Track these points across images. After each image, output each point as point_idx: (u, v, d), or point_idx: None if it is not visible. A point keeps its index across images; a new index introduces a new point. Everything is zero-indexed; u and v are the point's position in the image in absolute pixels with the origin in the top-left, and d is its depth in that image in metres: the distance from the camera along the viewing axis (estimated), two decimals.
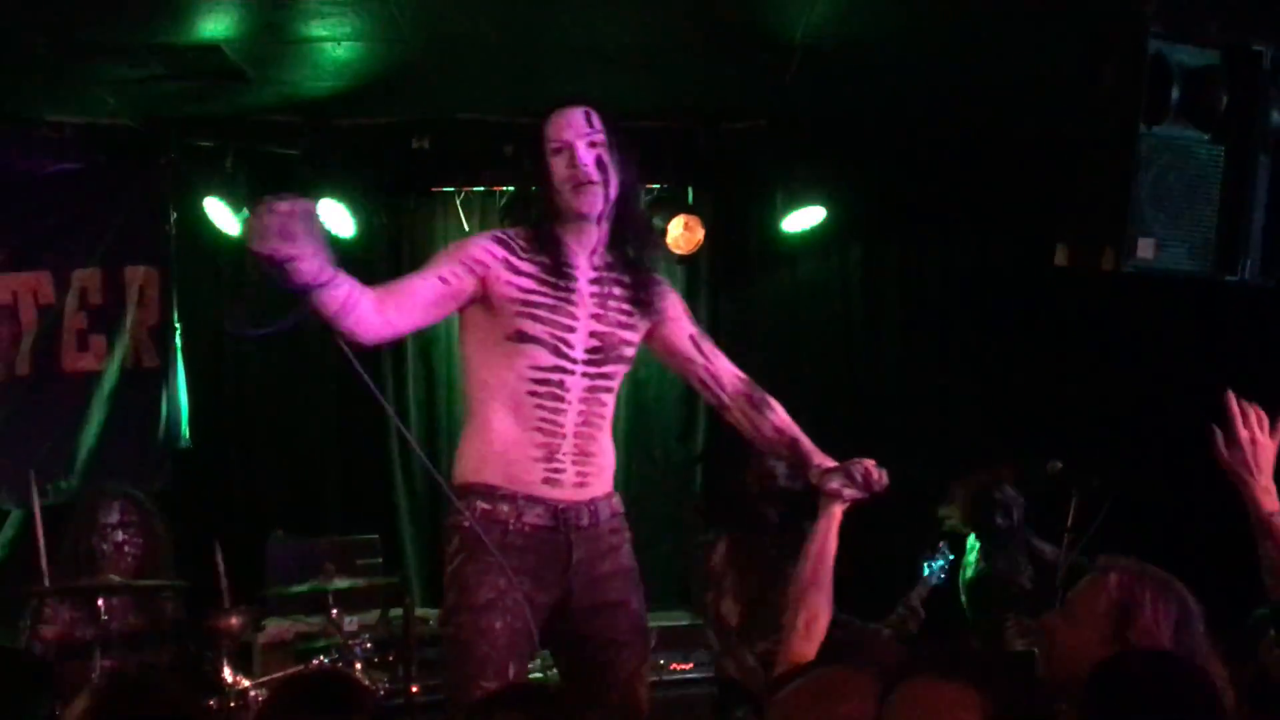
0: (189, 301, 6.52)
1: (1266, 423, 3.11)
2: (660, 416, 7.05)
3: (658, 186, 6.85)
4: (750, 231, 7.06)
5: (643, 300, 3.53)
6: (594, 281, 3.47)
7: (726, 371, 3.74)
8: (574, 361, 3.40)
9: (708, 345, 3.73)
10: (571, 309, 3.41)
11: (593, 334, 3.44)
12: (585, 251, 3.46)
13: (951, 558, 5.73)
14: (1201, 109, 4.29)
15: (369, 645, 5.09)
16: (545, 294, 3.38)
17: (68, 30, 5.20)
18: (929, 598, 5.59)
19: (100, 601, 4.58)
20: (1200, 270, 4.43)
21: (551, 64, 5.53)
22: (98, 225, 6.19)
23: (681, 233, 6.74)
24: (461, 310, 3.42)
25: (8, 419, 6.04)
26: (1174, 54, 4.25)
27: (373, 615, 5.45)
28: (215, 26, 5.14)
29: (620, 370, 3.53)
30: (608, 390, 3.49)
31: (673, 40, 5.49)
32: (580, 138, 3.40)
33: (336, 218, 6.44)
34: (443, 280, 3.34)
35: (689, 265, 6.99)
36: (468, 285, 3.36)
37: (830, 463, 3.60)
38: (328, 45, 5.38)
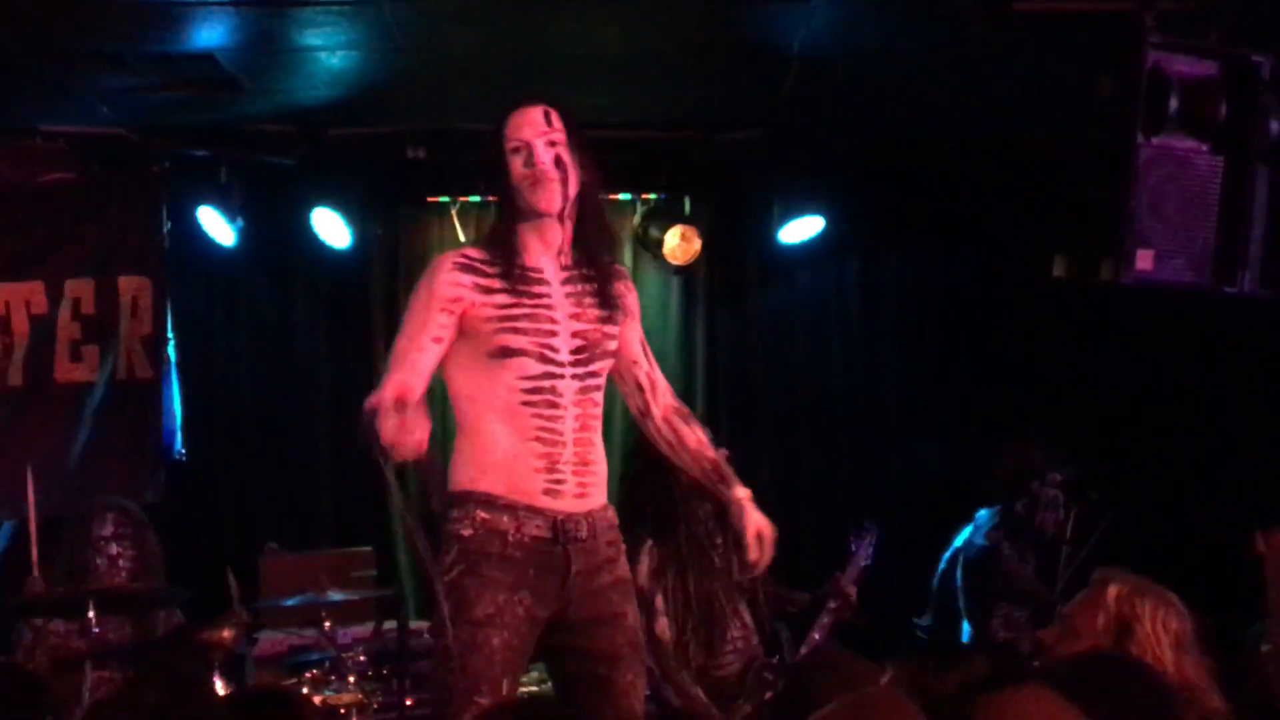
0: (182, 312, 6.50)
1: None
2: None
3: (654, 196, 6.83)
4: (747, 242, 7.03)
5: (611, 295, 3.49)
6: (566, 281, 3.44)
7: (663, 379, 3.72)
8: (561, 365, 3.36)
9: (649, 350, 3.72)
10: (550, 313, 3.39)
11: (575, 334, 3.41)
12: (551, 252, 3.43)
13: (878, 532, 5.35)
14: (1200, 119, 4.28)
15: (362, 658, 5.05)
16: (522, 304, 3.35)
17: (62, 40, 5.17)
18: (861, 580, 5.24)
19: (91, 614, 4.54)
20: (1199, 282, 4.41)
21: (548, 73, 5.50)
22: (91, 235, 6.16)
23: (678, 243, 6.72)
24: None
25: (0, 430, 6.00)
26: (1172, 64, 4.24)
27: (367, 628, 5.42)
28: (209, 35, 5.12)
29: (606, 367, 3.50)
30: (598, 389, 3.45)
31: (670, 51, 5.47)
32: (539, 136, 3.38)
33: (332, 228, 6.42)
34: (438, 340, 3.33)
35: (686, 276, 6.97)
36: (454, 329, 3.36)
37: (747, 493, 3.64)
38: (322, 54, 5.36)
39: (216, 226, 6.36)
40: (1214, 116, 4.30)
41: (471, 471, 3.36)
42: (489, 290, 3.34)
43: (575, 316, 3.42)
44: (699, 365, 7.03)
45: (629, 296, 3.59)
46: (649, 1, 4.97)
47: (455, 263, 3.39)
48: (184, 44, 5.20)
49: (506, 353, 3.33)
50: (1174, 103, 4.23)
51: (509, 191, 3.40)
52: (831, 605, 5.08)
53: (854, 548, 5.24)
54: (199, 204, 6.32)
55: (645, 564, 4.78)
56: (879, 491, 6.85)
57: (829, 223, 6.76)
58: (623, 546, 3.53)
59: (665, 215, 6.77)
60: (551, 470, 3.34)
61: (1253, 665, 3.69)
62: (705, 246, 6.77)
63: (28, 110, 6.01)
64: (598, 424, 3.47)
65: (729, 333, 7.07)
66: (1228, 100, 4.30)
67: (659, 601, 4.78)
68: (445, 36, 5.23)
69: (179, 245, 6.42)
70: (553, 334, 3.37)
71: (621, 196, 6.89)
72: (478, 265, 3.37)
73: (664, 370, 6.89)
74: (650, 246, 6.82)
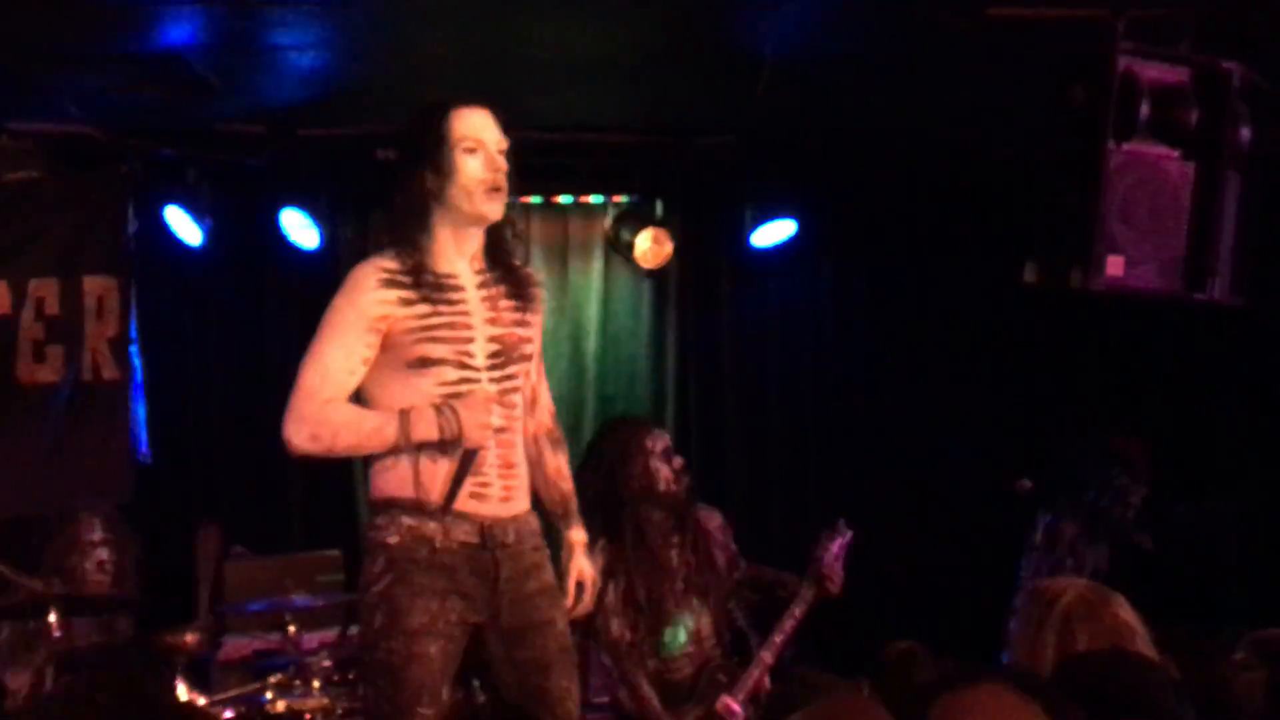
0: (149, 313, 6.44)
1: None
2: None
3: (626, 199, 6.82)
4: (720, 245, 7.02)
5: (525, 295, 3.49)
6: (480, 285, 3.42)
7: (545, 396, 3.70)
8: (478, 370, 3.35)
9: (540, 365, 3.70)
10: (466, 319, 3.36)
11: (491, 339, 3.39)
12: (466, 257, 3.41)
13: (850, 534, 5.04)
14: (1171, 126, 4.29)
15: (328, 663, 5.02)
16: (440, 313, 3.33)
17: (30, 39, 5.13)
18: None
19: (52, 618, 4.50)
20: (1169, 289, 4.41)
21: (519, 76, 5.48)
22: (56, 234, 6.09)
23: (650, 246, 6.71)
24: None
25: None
26: (1144, 71, 4.25)
27: (333, 632, 5.39)
28: (178, 35, 5.08)
29: (523, 370, 3.49)
30: (515, 391, 3.44)
31: (642, 54, 5.46)
32: (492, 142, 3.36)
33: (301, 229, 6.39)
34: (366, 362, 3.32)
35: (657, 279, 6.96)
36: (378, 346, 3.33)
37: (583, 537, 3.69)
38: (292, 54, 5.33)
39: (184, 227, 6.31)
40: (1185, 123, 4.30)
41: (394, 478, 3.33)
42: (409, 302, 3.31)
43: (491, 321, 3.40)
44: (670, 368, 7.02)
45: (540, 297, 3.58)
46: (621, 5, 4.96)
47: (379, 279, 3.32)
48: (153, 43, 5.16)
49: (425, 362, 3.31)
50: (1145, 109, 4.23)
51: (451, 193, 3.33)
52: (805, 597, 4.87)
53: (826, 541, 4.96)
54: (167, 204, 6.26)
55: (598, 562, 4.72)
56: (850, 496, 6.84)
57: (801, 227, 6.77)
58: (547, 552, 3.51)
59: (637, 218, 6.76)
60: (476, 474, 3.32)
61: (1219, 673, 3.69)
62: (677, 250, 6.77)
63: None
64: (518, 426, 3.46)
65: (700, 336, 7.05)
66: (1199, 107, 4.31)
67: (611, 601, 4.77)
68: (416, 38, 5.21)
69: (146, 245, 6.35)
70: (469, 340, 3.35)
71: (594, 199, 6.89)
72: (398, 278, 3.32)
73: (635, 372, 6.99)
74: (622, 249, 6.81)
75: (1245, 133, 4.38)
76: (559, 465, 3.68)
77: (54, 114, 5.99)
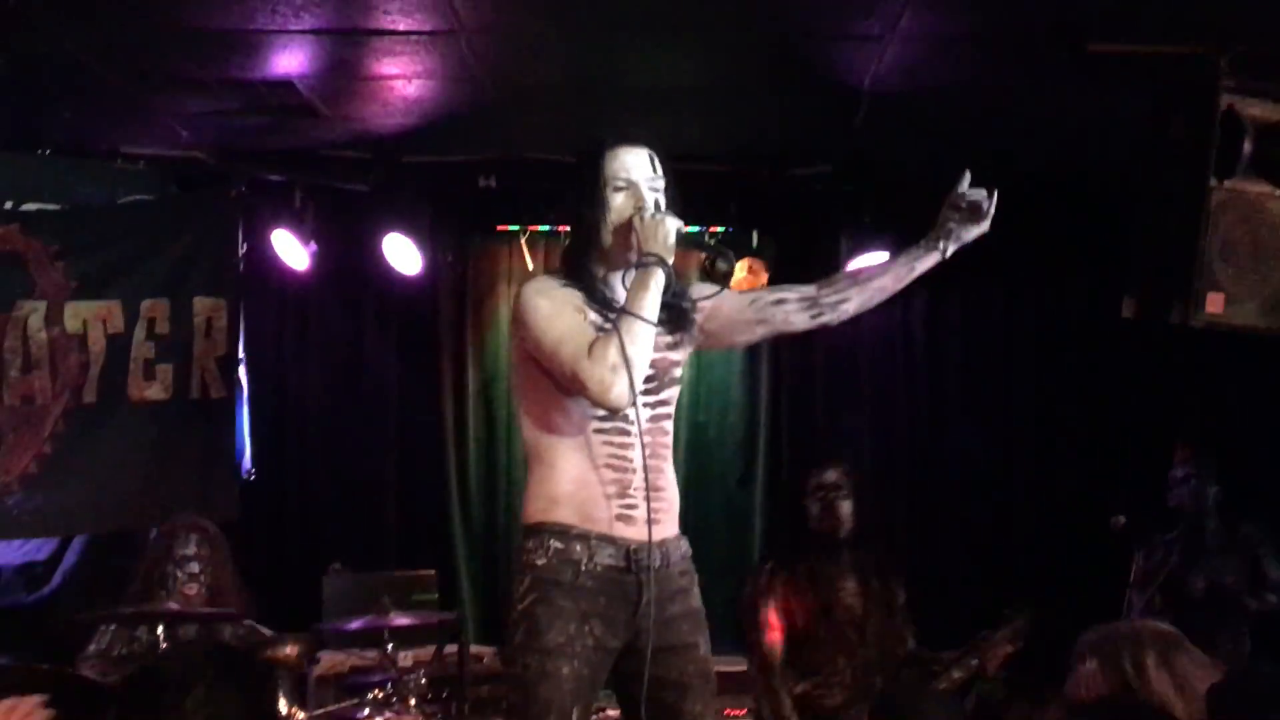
0: (254, 333, 6.59)
1: None
2: (720, 460, 7.03)
3: (722, 229, 6.85)
4: (814, 276, 6.97)
5: (680, 323, 3.50)
6: None
7: (783, 290, 3.74)
8: (634, 393, 3.31)
9: (759, 294, 3.74)
10: None
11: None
12: (621, 283, 3.42)
13: (1029, 615, 4.95)
14: (1274, 163, 4.26)
15: (423, 681, 5.08)
16: (605, 329, 3.31)
17: (144, 65, 5.28)
18: (1006, 661, 4.94)
19: (160, 629, 4.62)
20: (1270, 326, 4.38)
21: (618, 105, 5.55)
22: (167, 256, 6.22)
23: (745, 276, 6.73)
24: (522, 358, 3.39)
25: (74, 447, 6.07)
26: (1246, 108, 4.23)
27: (428, 650, 5.46)
28: (288, 62, 5.20)
29: (674, 394, 3.50)
30: (667, 417, 3.45)
31: (740, 84, 5.51)
32: (644, 180, 3.41)
33: (403, 254, 6.48)
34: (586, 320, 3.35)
35: None
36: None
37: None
38: (399, 83, 5.43)
39: (290, 250, 6.44)
40: None
41: (544, 503, 3.36)
42: (582, 310, 3.34)
43: None
44: (763, 396, 7.04)
45: (701, 312, 3.58)
46: (722, 36, 5.00)
47: (562, 283, 3.37)
48: (264, 70, 5.29)
49: None
50: (1248, 146, 4.22)
51: (598, 227, 3.38)
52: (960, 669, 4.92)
53: (1004, 626, 4.97)
54: (274, 227, 6.40)
55: (773, 583, 5.07)
56: (942, 524, 6.83)
57: (896, 258, 6.74)
58: (696, 577, 3.51)
59: (733, 247, 6.77)
60: (623, 496, 3.33)
61: None
62: (772, 280, 6.77)
63: (110, 132, 6.12)
64: (668, 453, 3.46)
65: (793, 365, 7.06)
66: None
67: (768, 618, 5.00)
68: (520, 67, 5.29)
69: (253, 267, 6.51)
70: None
71: (690, 229, 6.91)
72: (574, 289, 3.37)
73: (728, 400, 7.01)
74: (717, 279, 6.81)
75: None
76: (880, 267, 3.91)
77: (166, 138, 6.14)
